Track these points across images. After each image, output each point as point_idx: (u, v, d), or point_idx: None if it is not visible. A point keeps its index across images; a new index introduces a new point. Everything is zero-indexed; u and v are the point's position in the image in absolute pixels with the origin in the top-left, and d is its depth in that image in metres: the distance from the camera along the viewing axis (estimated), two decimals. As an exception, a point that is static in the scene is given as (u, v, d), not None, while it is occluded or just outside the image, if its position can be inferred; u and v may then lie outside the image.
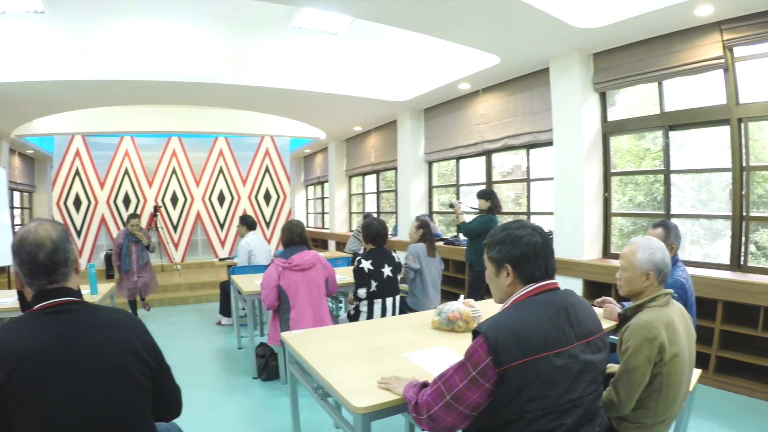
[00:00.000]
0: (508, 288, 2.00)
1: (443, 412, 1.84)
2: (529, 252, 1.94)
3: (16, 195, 14.21)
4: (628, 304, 2.75)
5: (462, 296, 3.67)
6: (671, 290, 2.53)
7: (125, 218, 8.07)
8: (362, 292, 4.79)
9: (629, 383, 2.29)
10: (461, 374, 1.81)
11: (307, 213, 18.80)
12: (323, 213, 17.00)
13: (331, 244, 14.38)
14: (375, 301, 4.82)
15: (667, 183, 5.90)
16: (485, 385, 1.75)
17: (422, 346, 3.02)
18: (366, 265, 4.79)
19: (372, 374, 2.48)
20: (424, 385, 2.08)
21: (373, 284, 4.78)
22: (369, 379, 2.43)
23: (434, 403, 1.87)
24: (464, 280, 8.25)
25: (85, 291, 5.25)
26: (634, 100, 6.69)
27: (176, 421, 2.19)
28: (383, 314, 4.84)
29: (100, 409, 1.63)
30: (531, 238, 1.96)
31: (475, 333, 1.83)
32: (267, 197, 13.39)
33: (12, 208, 13.43)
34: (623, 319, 2.53)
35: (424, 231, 5.89)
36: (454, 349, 2.91)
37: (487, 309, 3.46)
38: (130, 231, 7.53)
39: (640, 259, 2.51)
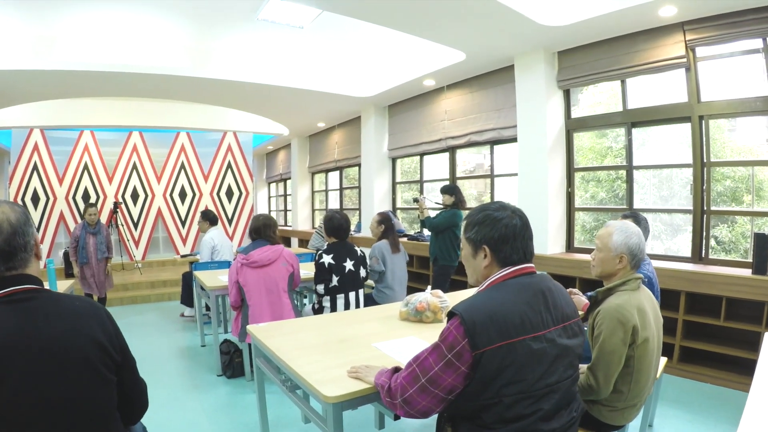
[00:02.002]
0: (484, 270, 1.94)
1: (418, 395, 1.79)
2: (508, 234, 1.89)
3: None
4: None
5: (429, 287, 3.64)
6: (642, 275, 2.56)
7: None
8: (320, 287, 4.71)
9: (606, 367, 2.33)
10: (436, 356, 1.75)
11: (270, 210, 18.53)
12: (286, 210, 16.82)
13: (294, 241, 14.23)
14: (338, 296, 4.75)
15: (629, 178, 5.98)
16: (461, 368, 1.70)
17: (390, 337, 2.99)
18: (327, 259, 4.70)
19: (341, 364, 2.44)
20: (397, 369, 2.03)
21: (335, 279, 4.70)
22: (338, 368, 2.39)
23: (409, 386, 1.82)
24: (428, 275, 8.23)
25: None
26: (596, 100, 6.75)
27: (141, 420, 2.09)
28: (347, 309, 4.77)
29: (62, 401, 1.52)
30: (510, 221, 1.91)
31: (451, 314, 1.77)
32: (229, 194, 13.17)
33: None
34: (594, 302, 2.55)
35: (386, 226, 5.78)
36: (423, 339, 2.87)
37: (454, 301, 3.44)
38: (88, 221, 7.22)
39: (615, 242, 2.52)
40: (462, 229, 2.05)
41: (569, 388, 1.87)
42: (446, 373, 1.72)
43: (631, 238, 2.51)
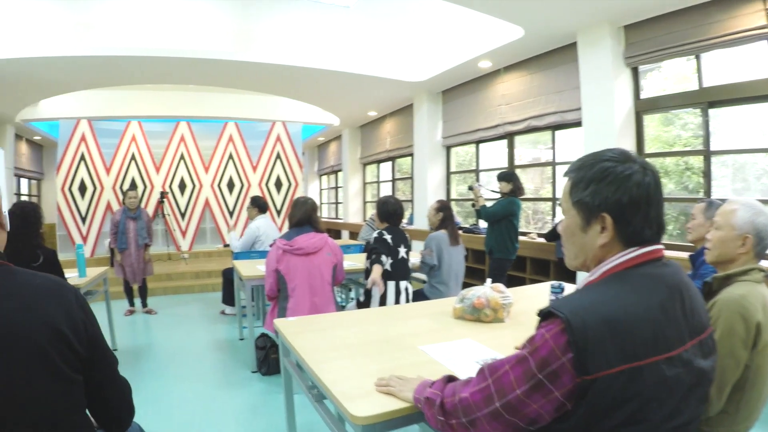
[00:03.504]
0: (599, 250, 1.37)
1: (489, 421, 1.31)
2: (640, 197, 1.31)
3: (24, 182, 14.14)
4: None
5: (489, 280, 3.16)
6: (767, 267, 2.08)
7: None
8: (388, 261, 4.40)
9: (721, 373, 1.78)
10: (520, 374, 1.24)
11: (321, 203, 18.56)
12: (337, 203, 16.83)
13: (345, 233, 14.16)
14: (388, 282, 4.47)
15: (707, 165, 5.51)
16: (554, 392, 1.19)
17: (442, 338, 2.55)
18: (387, 237, 4.48)
19: (379, 371, 2.01)
20: (450, 379, 1.58)
21: (389, 261, 4.45)
22: (375, 377, 1.94)
23: (477, 408, 1.33)
24: (483, 270, 7.92)
25: (73, 274, 5.02)
26: (661, 86, 6.28)
27: (154, 419, 1.74)
28: (397, 298, 4.49)
29: (5, 399, 1.24)
30: (643, 178, 1.32)
31: (548, 314, 1.26)
32: (278, 184, 13.13)
33: (18, 194, 13.35)
34: (707, 292, 2.07)
35: (445, 214, 5.39)
36: (481, 343, 2.45)
37: (518, 297, 3.04)
38: (128, 205, 7.12)
39: (740, 218, 2.05)
40: (567, 189, 1.46)
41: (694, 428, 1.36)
42: (532, 398, 1.22)
43: (759, 216, 2.05)
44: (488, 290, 2.94)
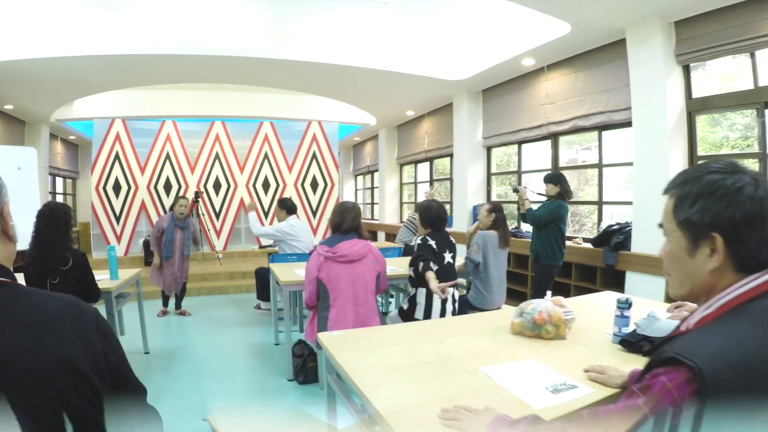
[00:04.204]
0: (709, 276, 1.20)
1: None
2: (755, 214, 1.15)
3: (59, 181, 14.35)
4: None
5: (549, 293, 2.95)
6: None
7: (167, 203, 7.56)
8: (435, 266, 4.21)
9: None
10: (633, 427, 1.11)
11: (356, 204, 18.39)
12: (372, 203, 16.80)
13: (381, 235, 14.16)
14: None
15: (762, 167, 5.33)
16: None
17: (502, 358, 2.33)
18: (432, 243, 4.38)
19: (438, 399, 1.81)
20: (536, 419, 1.44)
21: (434, 267, 4.28)
22: (434, 406, 1.75)
23: None
24: (527, 276, 7.81)
25: (105, 276, 5.00)
26: (707, 85, 6.07)
27: (185, 427, 1.61)
28: (443, 308, 4.32)
29: None
30: (755, 191, 1.16)
31: (669, 360, 1.09)
32: (314, 185, 13.22)
33: (54, 193, 13.54)
34: None
35: (497, 216, 5.37)
36: (545, 364, 2.25)
37: (579, 310, 2.83)
38: (177, 214, 7.08)
39: None
40: (670, 208, 1.28)
41: None
42: None
43: None
44: (549, 304, 2.73)
